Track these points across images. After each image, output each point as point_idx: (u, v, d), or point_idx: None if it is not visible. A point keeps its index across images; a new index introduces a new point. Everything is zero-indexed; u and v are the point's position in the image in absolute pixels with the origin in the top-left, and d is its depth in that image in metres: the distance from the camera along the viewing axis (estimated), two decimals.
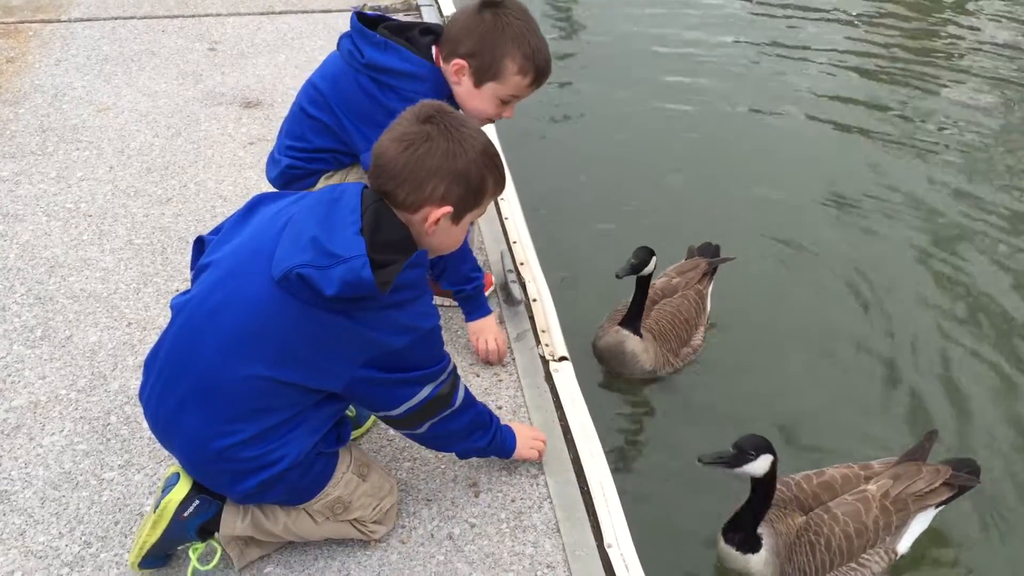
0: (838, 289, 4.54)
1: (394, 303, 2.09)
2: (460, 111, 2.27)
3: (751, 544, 2.99)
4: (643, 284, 3.74)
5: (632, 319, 3.78)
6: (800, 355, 4.13)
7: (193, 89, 4.90)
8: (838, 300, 4.47)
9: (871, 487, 3.06)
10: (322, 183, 3.13)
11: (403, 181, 2.11)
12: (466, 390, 2.43)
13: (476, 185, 2.17)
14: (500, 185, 2.27)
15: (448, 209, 2.15)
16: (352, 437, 2.63)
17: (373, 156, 2.16)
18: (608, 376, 3.88)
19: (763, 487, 2.92)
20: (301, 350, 2.10)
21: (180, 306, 2.22)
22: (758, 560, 3.00)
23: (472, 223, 2.37)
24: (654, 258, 3.69)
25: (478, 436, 2.54)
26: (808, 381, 3.99)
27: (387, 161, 2.12)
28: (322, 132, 3.00)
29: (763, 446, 2.85)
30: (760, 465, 2.85)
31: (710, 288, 4.20)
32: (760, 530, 3.00)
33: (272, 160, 3.19)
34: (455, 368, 2.35)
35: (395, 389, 2.23)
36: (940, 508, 3.15)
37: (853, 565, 3.02)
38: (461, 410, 2.40)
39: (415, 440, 2.50)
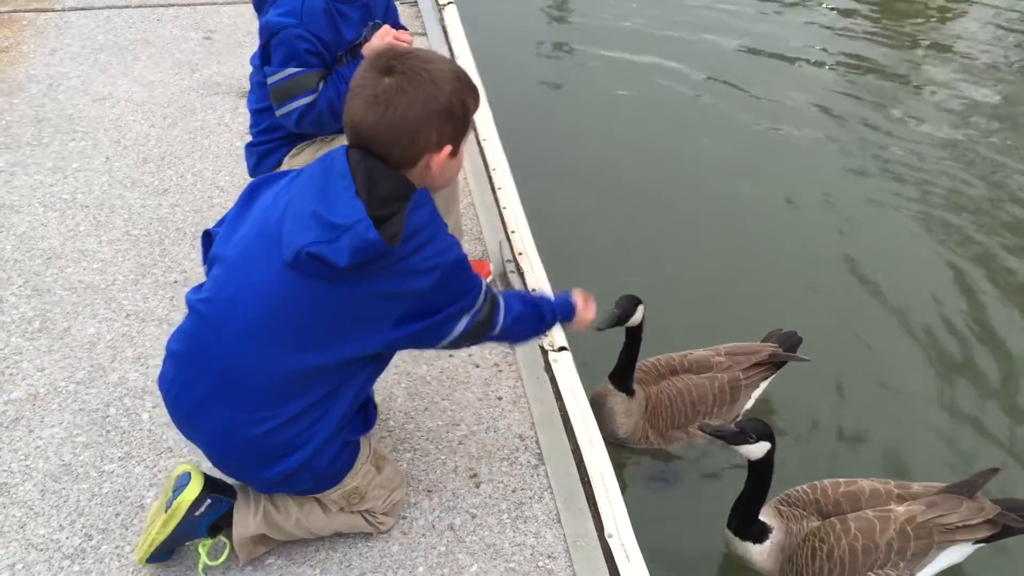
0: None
1: (411, 250, 2.04)
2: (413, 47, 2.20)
3: (756, 534, 3.00)
4: (633, 335, 3.41)
5: (621, 376, 3.45)
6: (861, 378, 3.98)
7: (189, 79, 4.87)
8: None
9: (899, 508, 2.95)
10: (286, 162, 3.18)
11: (394, 142, 2.03)
12: (509, 303, 2.36)
13: (460, 115, 2.11)
14: (478, 101, 2.19)
15: (448, 149, 2.10)
16: None
17: (349, 125, 2.06)
18: (607, 366, 3.82)
19: (759, 474, 2.93)
20: (330, 328, 2.08)
21: (197, 301, 2.19)
22: (758, 551, 3.01)
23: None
24: (640, 307, 3.36)
25: (533, 327, 2.51)
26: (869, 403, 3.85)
27: (369, 127, 2.02)
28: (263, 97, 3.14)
29: (764, 432, 2.87)
30: (756, 450, 2.88)
31: (763, 386, 3.68)
32: (771, 524, 3.00)
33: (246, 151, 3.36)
34: (489, 290, 2.28)
35: (432, 332, 2.18)
36: (978, 545, 3.00)
37: None
38: (506, 328, 2.35)
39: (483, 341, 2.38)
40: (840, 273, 4.63)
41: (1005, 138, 6.01)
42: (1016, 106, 6.48)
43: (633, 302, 3.35)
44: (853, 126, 6.04)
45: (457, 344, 2.26)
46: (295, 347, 2.09)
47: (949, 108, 6.35)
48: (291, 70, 2.99)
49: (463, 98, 2.10)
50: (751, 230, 4.89)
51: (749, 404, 3.67)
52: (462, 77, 2.12)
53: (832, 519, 2.96)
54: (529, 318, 2.45)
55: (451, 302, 2.16)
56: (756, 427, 2.88)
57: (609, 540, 2.57)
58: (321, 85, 3.03)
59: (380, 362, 2.29)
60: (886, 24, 7.59)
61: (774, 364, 3.67)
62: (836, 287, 4.54)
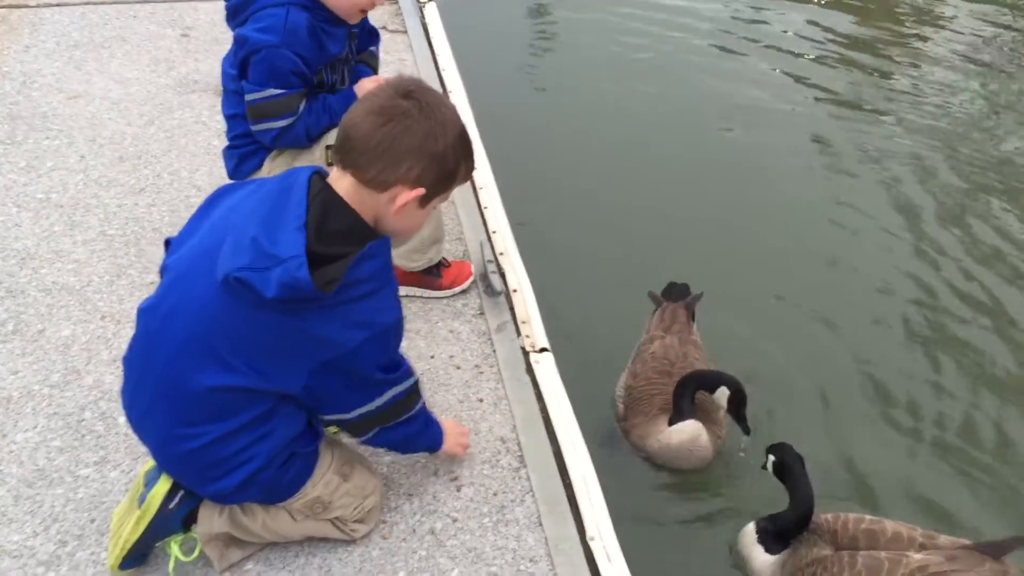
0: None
1: (349, 299, 1.99)
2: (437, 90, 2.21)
3: (773, 546, 2.99)
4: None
5: (688, 410, 3.37)
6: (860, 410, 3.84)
7: (166, 76, 4.81)
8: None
9: (915, 556, 2.78)
10: (267, 165, 3.14)
11: (377, 157, 2.00)
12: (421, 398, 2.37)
13: (450, 170, 2.09)
14: (470, 173, 2.19)
15: (420, 191, 2.05)
16: (333, 432, 2.60)
17: (343, 129, 2.05)
18: (589, 367, 3.81)
19: (792, 496, 3.00)
20: (251, 353, 2.03)
21: (140, 312, 2.18)
22: (763, 559, 2.99)
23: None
24: (721, 388, 3.37)
25: (422, 438, 2.51)
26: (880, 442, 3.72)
27: (361, 135, 2.00)
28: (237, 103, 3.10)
29: (774, 448, 3.07)
30: (769, 466, 3.08)
31: (696, 333, 3.84)
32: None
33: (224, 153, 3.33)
34: (417, 378, 2.30)
35: (351, 393, 2.16)
36: None
37: None
38: (415, 416, 2.36)
39: (356, 439, 2.37)
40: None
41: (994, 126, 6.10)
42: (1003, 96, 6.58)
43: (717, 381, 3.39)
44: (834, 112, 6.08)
45: (370, 423, 2.24)
46: (223, 366, 2.03)
47: (934, 96, 6.41)
48: (272, 91, 2.92)
49: (458, 156, 2.09)
50: (734, 225, 4.89)
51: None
52: (467, 139, 2.12)
53: (842, 552, 2.86)
54: (427, 417, 2.46)
55: (376, 369, 2.14)
56: (772, 446, 3.10)
57: (591, 543, 2.56)
58: (302, 107, 2.98)
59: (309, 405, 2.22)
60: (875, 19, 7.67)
61: (692, 315, 3.85)
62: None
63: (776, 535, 3.00)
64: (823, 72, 6.79)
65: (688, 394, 3.38)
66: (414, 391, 2.30)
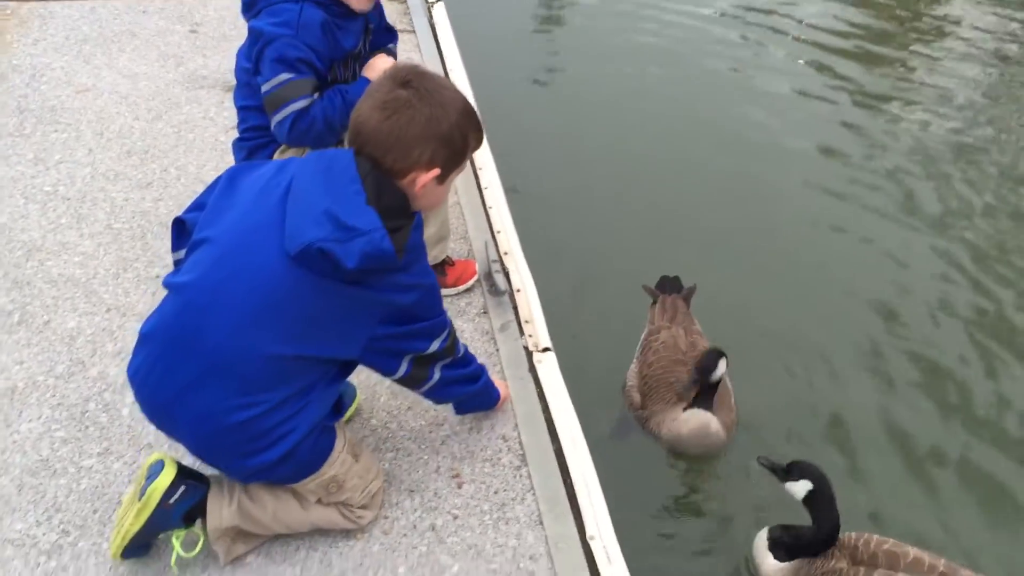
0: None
1: (401, 266, 2.13)
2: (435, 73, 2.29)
3: (783, 555, 2.98)
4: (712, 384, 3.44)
5: (707, 399, 3.43)
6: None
7: (174, 72, 4.83)
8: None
9: None
10: (276, 158, 3.15)
11: (389, 149, 2.12)
12: (465, 348, 2.59)
13: (459, 146, 2.21)
14: (480, 141, 2.31)
15: (436, 172, 2.18)
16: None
17: (353, 124, 2.16)
18: (591, 367, 3.83)
19: (816, 515, 2.93)
20: (319, 322, 2.13)
21: (180, 285, 2.16)
22: (773, 566, 2.98)
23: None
24: (723, 360, 3.38)
25: (481, 380, 2.70)
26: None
27: (370, 130, 2.11)
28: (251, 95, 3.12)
29: (806, 471, 2.91)
30: (798, 488, 2.92)
31: (695, 322, 3.91)
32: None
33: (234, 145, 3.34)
34: (453, 327, 2.46)
35: (406, 343, 2.32)
36: None
37: None
38: (466, 358, 2.58)
39: (429, 394, 2.55)
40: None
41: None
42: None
43: (714, 357, 3.37)
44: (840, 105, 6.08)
45: (424, 367, 2.42)
46: (284, 336, 2.11)
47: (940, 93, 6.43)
48: (283, 76, 2.94)
49: (465, 131, 2.21)
50: (744, 226, 4.89)
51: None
52: (470, 112, 2.24)
53: (859, 567, 2.86)
54: (478, 365, 2.68)
55: (424, 318, 2.32)
56: (803, 467, 2.93)
57: (591, 542, 2.56)
58: (316, 94, 3.00)
59: (348, 371, 2.41)
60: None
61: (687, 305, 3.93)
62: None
63: (789, 548, 2.98)
64: (842, 63, 6.79)
65: (703, 381, 3.42)
66: (452, 338, 2.46)
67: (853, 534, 2.96)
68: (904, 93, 6.50)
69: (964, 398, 3.90)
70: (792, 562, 2.96)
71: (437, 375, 2.48)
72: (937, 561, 2.83)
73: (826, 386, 3.92)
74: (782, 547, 2.99)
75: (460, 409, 2.82)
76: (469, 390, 2.69)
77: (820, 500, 2.90)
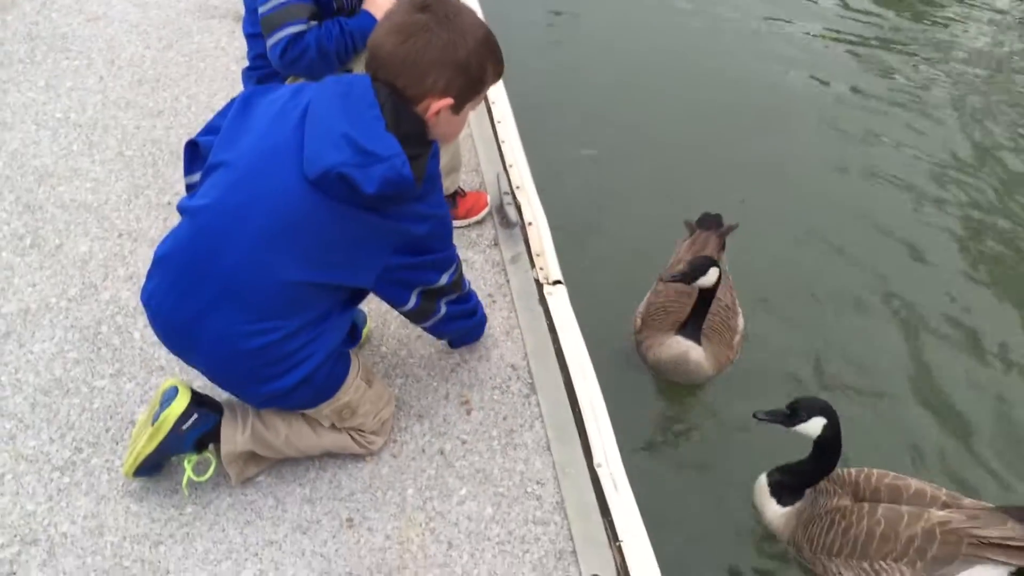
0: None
1: (420, 194, 2.12)
2: None
3: (787, 497, 2.98)
4: (706, 295, 3.43)
5: (693, 327, 3.46)
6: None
7: (186, 1, 4.77)
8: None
9: (938, 512, 2.77)
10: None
11: (402, 73, 2.06)
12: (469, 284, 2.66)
13: (476, 75, 2.14)
14: (499, 73, 2.24)
15: (449, 101, 2.11)
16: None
17: (370, 48, 2.10)
18: (602, 301, 3.82)
19: (822, 452, 2.89)
20: (334, 248, 2.11)
21: (196, 208, 2.13)
22: (774, 510, 2.99)
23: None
24: (713, 269, 3.33)
25: (476, 315, 2.76)
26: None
27: (385, 54, 2.06)
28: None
29: (817, 407, 2.83)
30: (812, 427, 2.84)
31: (726, 263, 3.86)
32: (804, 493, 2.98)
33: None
34: (460, 262, 2.51)
35: (417, 274, 2.35)
36: (1013, 570, 2.76)
37: (865, 566, 2.79)
38: (468, 293, 2.64)
39: (432, 328, 2.61)
40: None
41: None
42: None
43: (702, 265, 3.33)
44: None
45: (432, 300, 2.47)
46: (300, 262, 2.09)
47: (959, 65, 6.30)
48: None
49: (483, 60, 2.14)
50: (758, 161, 4.83)
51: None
52: (490, 42, 2.16)
53: (862, 503, 2.86)
54: (476, 305, 2.75)
55: (436, 250, 2.34)
56: (809, 404, 2.84)
57: (598, 469, 2.58)
58: (313, 22, 2.94)
59: (360, 298, 2.42)
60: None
61: (722, 245, 3.88)
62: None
63: (790, 487, 2.99)
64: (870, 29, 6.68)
65: (700, 311, 3.45)
66: (459, 271, 2.52)
67: (853, 470, 2.97)
68: (946, 66, 6.37)
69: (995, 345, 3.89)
70: (795, 506, 2.97)
71: (444, 310, 2.51)
72: (939, 492, 2.85)
73: (850, 329, 3.91)
74: (784, 489, 2.99)
75: (454, 344, 2.86)
76: (467, 324, 2.74)
77: (833, 433, 2.86)
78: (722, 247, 3.89)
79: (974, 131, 5.39)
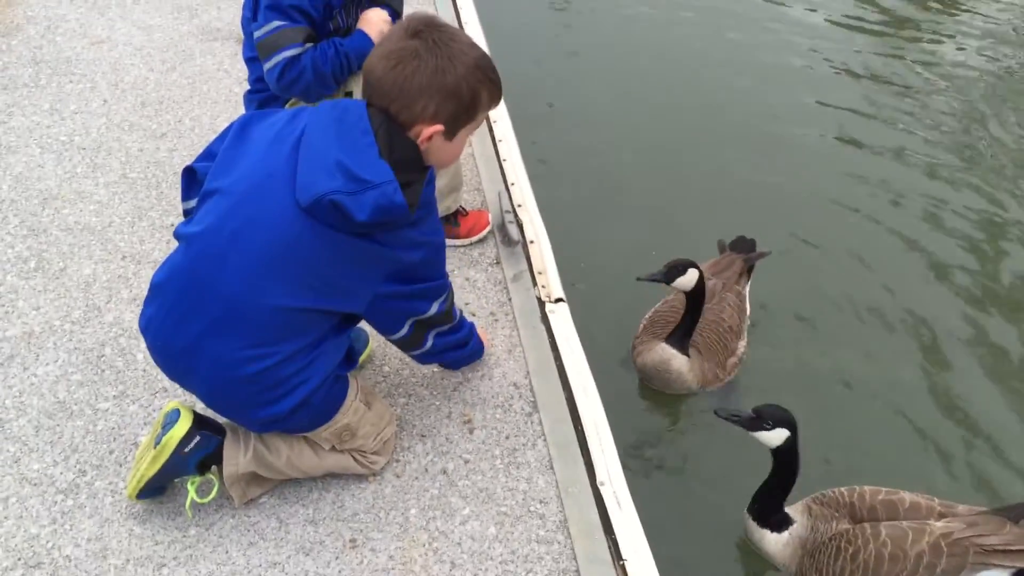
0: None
1: (412, 221, 2.11)
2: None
3: (775, 524, 2.94)
4: (696, 301, 3.42)
5: (681, 337, 3.47)
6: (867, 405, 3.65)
7: (188, 24, 4.81)
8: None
9: (937, 524, 2.78)
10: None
11: (393, 99, 2.06)
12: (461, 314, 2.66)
13: (468, 101, 2.11)
14: (495, 97, 2.20)
15: (439, 127, 2.10)
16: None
17: (364, 73, 2.12)
18: (603, 319, 3.83)
19: (782, 463, 2.85)
20: (328, 274, 2.11)
21: (192, 235, 2.14)
22: (774, 539, 2.94)
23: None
24: (691, 271, 3.33)
25: (468, 345, 2.75)
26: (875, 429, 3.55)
27: (376, 79, 2.07)
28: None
29: (782, 419, 2.78)
30: (773, 437, 2.79)
31: (748, 288, 3.85)
32: (796, 519, 2.93)
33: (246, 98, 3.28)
34: (452, 291, 2.48)
35: (408, 303, 2.34)
36: (1014, 573, 2.78)
37: None
38: (460, 323, 2.62)
39: (418, 358, 2.59)
40: None
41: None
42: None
43: (681, 266, 3.32)
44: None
45: (422, 332, 2.45)
46: (294, 288, 2.09)
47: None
48: (276, 23, 2.89)
49: (475, 86, 2.11)
50: (759, 181, 4.85)
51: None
52: (484, 67, 2.13)
53: (864, 524, 2.84)
54: (469, 325, 2.74)
55: (429, 278, 2.33)
56: (774, 413, 2.78)
57: (601, 488, 2.58)
58: (308, 44, 2.96)
59: (355, 323, 2.41)
60: None
61: (748, 270, 3.88)
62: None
63: (769, 508, 2.94)
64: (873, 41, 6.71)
65: (688, 321, 3.46)
66: (451, 300, 2.50)
67: (844, 489, 2.94)
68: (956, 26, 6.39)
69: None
70: (795, 534, 2.93)
71: (430, 343, 2.50)
72: (932, 502, 2.86)
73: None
74: (766, 513, 2.95)
75: (447, 368, 2.89)
76: (456, 355, 2.75)
77: (794, 447, 2.82)
78: (748, 272, 3.86)
79: (988, 143, 5.40)
